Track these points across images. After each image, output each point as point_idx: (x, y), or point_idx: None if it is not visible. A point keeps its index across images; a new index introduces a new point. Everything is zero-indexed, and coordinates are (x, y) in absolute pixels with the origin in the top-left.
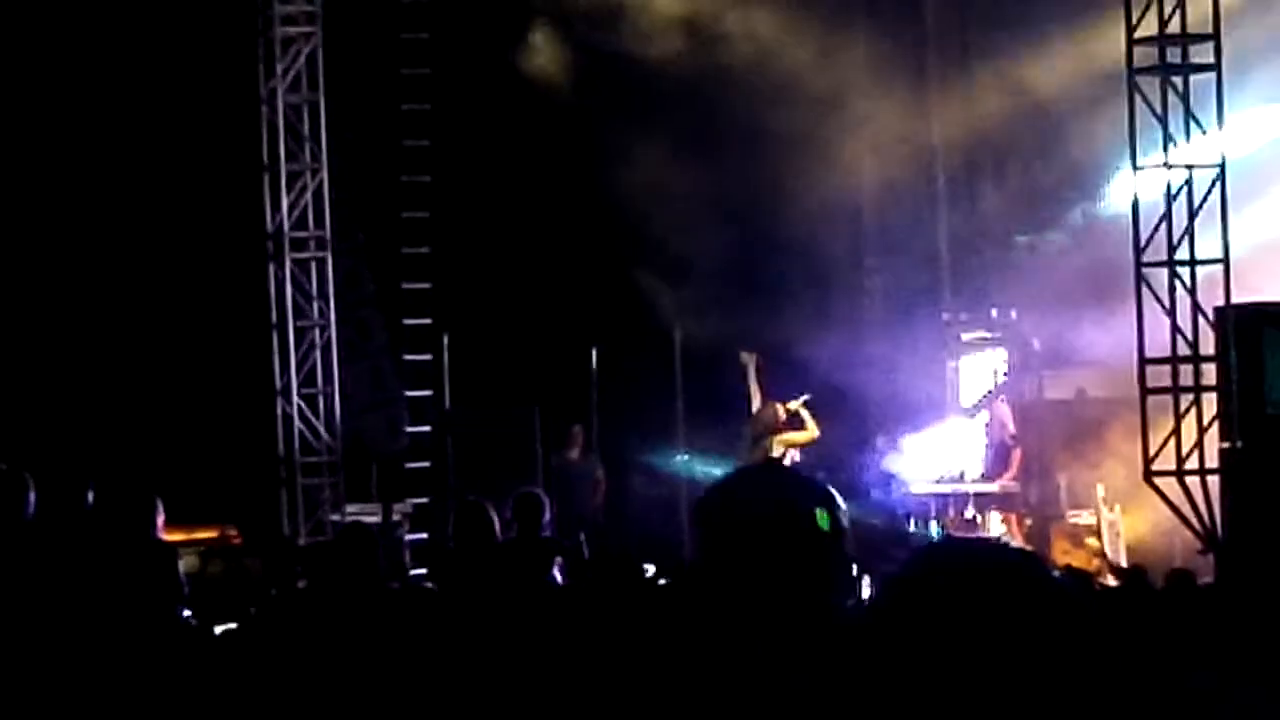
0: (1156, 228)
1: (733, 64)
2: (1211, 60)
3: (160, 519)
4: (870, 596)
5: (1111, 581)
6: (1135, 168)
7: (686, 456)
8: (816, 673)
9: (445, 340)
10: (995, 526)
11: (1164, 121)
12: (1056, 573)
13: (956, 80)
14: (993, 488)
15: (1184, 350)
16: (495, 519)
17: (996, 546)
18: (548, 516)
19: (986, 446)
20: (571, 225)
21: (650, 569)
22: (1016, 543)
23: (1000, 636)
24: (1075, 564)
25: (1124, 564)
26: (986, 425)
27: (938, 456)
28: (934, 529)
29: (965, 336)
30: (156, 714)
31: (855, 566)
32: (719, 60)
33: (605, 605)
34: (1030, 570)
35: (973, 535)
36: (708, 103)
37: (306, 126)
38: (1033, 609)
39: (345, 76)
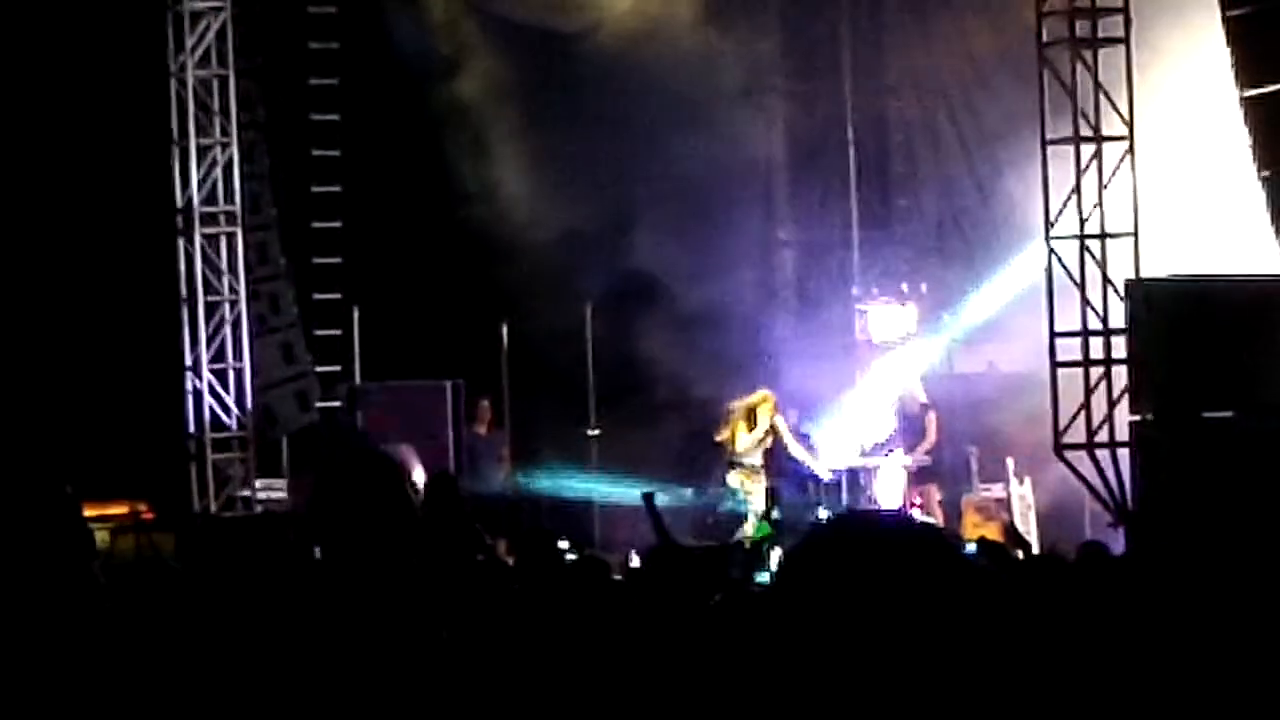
0: (1066, 201)
1: (644, 38)
2: (1121, 34)
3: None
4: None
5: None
6: (1045, 141)
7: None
8: (722, 644)
9: (355, 314)
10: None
11: (1074, 95)
12: (971, 545)
13: (869, 54)
14: (906, 461)
15: (1094, 324)
16: (413, 495)
17: (894, 518)
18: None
19: (899, 419)
20: (483, 199)
21: (564, 544)
22: (931, 516)
23: (896, 605)
24: (988, 537)
25: (1034, 537)
26: (896, 403)
27: (850, 433)
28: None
29: (875, 312)
30: (74, 697)
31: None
32: (630, 33)
33: (525, 580)
34: (928, 541)
35: (872, 509)
36: (617, 77)
37: (216, 101)
38: (930, 578)
39: (255, 51)
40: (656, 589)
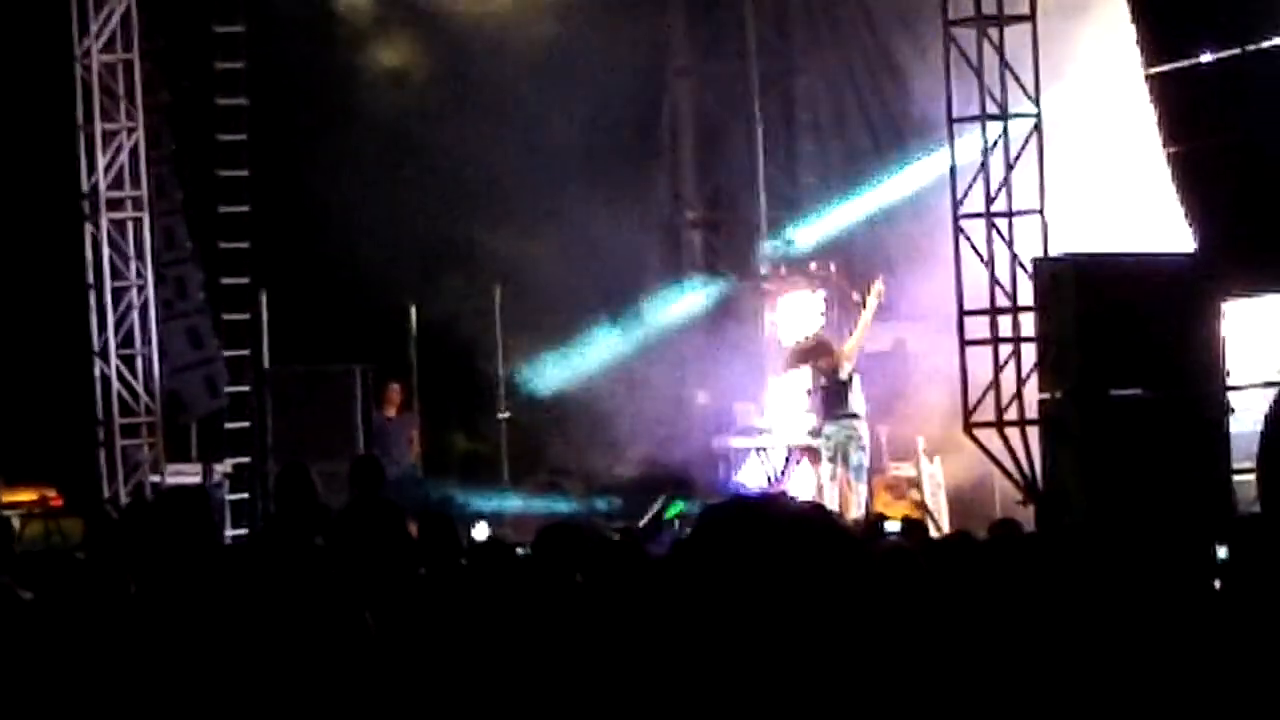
0: (974, 179)
1: (549, 19)
2: (1027, 11)
3: None
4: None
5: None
6: (951, 118)
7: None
8: (619, 626)
9: (263, 298)
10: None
11: (979, 73)
12: (893, 524)
13: (774, 33)
14: (816, 441)
15: (1003, 302)
16: (317, 480)
17: (778, 502)
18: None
19: (810, 394)
20: (391, 181)
21: (483, 527)
22: (841, 496)
23: (784, 586)
24: (899, 515)
25: (945, 516)
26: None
27: (763, 410)
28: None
29: (784, 290)
30: None
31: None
32: (534, 16)
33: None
34: (817, 523)
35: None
36: (521, 58)
37: (121, 85)
38: (819, 559)
39: (159, 34)
40: (553, 566)
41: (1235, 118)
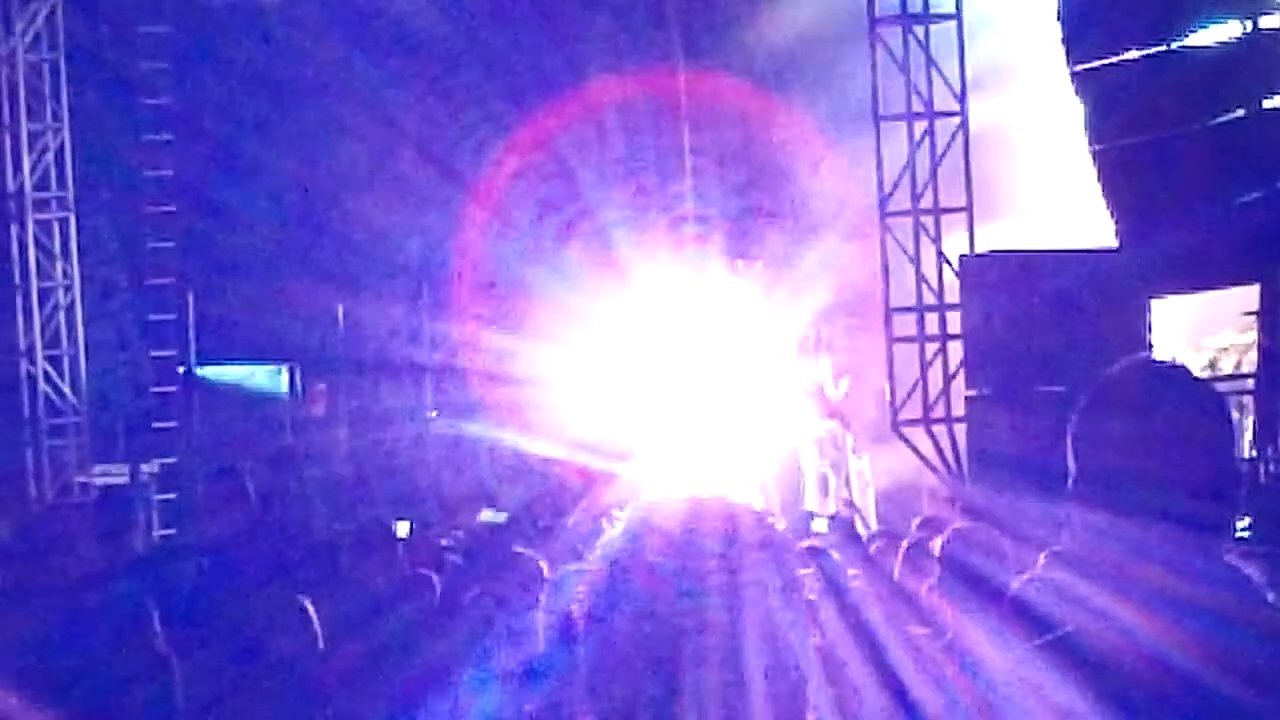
0: (900, 177)
1: (480, 18)
2: (953, 10)
3: None
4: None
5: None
6: (878, 117)
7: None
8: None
9: (190, 298)
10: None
11: (906, 71)
12: (821, 522)
13: (701, 32)
14: None
15: (930, 299)
16: (250, 484)
17: (714, 500)
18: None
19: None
20: (317, 181)
21: (404, 524)
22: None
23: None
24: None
25: (872, 513)
26: None
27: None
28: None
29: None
30: None
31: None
32: (472, 18)
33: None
34: (753, 519)
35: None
36: (455, 57)
37: (47, 86)
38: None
39: (85, 36)
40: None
41: (1159, 115)
